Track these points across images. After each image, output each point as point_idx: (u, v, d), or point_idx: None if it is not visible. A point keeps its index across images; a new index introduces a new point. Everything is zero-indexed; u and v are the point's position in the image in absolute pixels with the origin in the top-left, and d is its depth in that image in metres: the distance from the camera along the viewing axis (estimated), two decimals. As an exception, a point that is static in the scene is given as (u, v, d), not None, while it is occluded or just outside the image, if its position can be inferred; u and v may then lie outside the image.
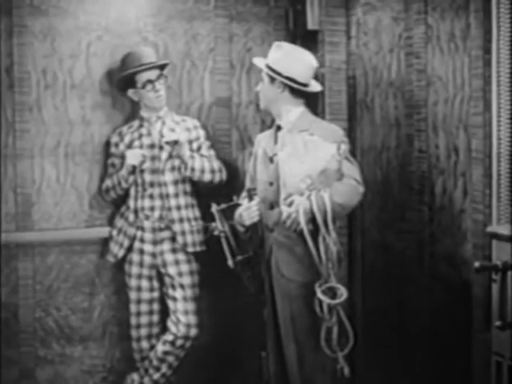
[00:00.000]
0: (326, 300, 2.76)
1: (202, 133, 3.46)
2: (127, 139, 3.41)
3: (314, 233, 2.80)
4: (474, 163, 2.52)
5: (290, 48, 3.02)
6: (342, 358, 2.83)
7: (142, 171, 3.36)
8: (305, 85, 2.97)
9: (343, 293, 2.77)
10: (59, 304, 3.49)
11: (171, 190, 3.37)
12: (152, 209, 3.37)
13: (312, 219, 2.78)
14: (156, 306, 3.42)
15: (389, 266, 3.16)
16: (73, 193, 3.49)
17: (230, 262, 3.02)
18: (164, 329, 3.42)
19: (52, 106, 3.43)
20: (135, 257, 3.40)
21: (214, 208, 3.09)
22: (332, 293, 2.78)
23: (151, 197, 3.37)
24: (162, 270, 3.39)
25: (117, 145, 3.43)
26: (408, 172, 3.00)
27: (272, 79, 2.96)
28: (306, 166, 2.85)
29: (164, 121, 3.40)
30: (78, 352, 3.53)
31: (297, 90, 2.96)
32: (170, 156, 3.35)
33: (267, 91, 3.00)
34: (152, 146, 3.39)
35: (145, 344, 3.41)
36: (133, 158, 3.31)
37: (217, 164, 3.42)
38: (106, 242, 3.49)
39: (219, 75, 3.63)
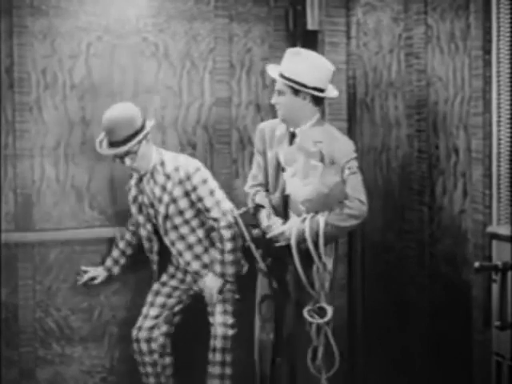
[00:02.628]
0: (310, 320, 2.82)
1: (197, 179, 3.20)
2: (133, 192, 3.38)
3: (308, 259, 2.83)
4: (474, 163, 2.52)
5: (308, 55, 2.93)
6: (324, 380, 2.86)
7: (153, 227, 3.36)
8: (324, 91, 2.94)
9: (328, 313, 2.81)
10: (59, 304, 3.49)
11: (181, 246, 3.31)
12: (171, 262, 3.39)
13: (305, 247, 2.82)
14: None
15: (389, 266, 3.16)
16: (73, 193, 3.49)
17: (263, 266, 2.99)
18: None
19: (52, 106, 3.43)
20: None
21: (236, 213, 3.04)
22: (322, 312, 2.83)
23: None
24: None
25: (129, 189, 3.41)
26: (408, 172, 3.00)
27: (296, 91, 2.89)
28: (307, 190, 2.85)
29: (154, 179, 3.24)
30: (77, 352, 3.53)
31: (318, 98, 2.92)
32: (167, 217, 3.25)
33: (291, 103, 2.91)
34: (152, 206, 3.31)
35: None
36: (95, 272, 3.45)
37: (226, 221, 3.19)
38: (105, 242, 3.50)
39: (219, 75, 3.63)
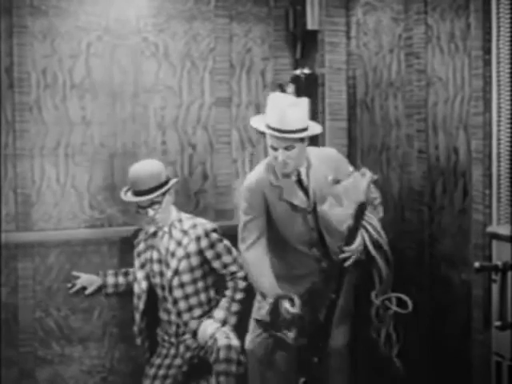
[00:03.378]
0: (394, 308, 2.84)
1: (215, 237, 3.28)
2: (140, 247, 3.41)
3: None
4: (474, 163, 2.52)
5: (303, 101, 2.88)
6: (395, 359, 2.90)
7: (155, 285, 3.36)
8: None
9: (408, 304, 2.81)
10: (59, 304, 3.49)
11: (182, 306, 3.31)
12: (169, 323, 3.36)
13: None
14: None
15: (389, 267, 3.16)
16: (73, 193, 3.49)
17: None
18: None
19: (52, 106, 3.43)
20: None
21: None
22: (400, 302, 2.85)
23: (167, 311, 3.35)
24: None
25: (138, 244, 3.44)
26: (408, 172, 3.00)
27: (302, 139, 2.86)
28: (347, 209, 2.81)
29: (171, 233, 3.30)
30: (77, 352, 3.53)
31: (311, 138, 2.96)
32: (176, 273, 3.27)
33: (302, 153, 2.88)
34: (159, 262, 3.33)
35: None
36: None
37: (243, 273, 3.23)
38: (105, 242, 3.51)
39: (219, 75, 3.63)
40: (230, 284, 3.31)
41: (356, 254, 2.81)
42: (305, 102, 2.88)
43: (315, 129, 2.94)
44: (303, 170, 2.94)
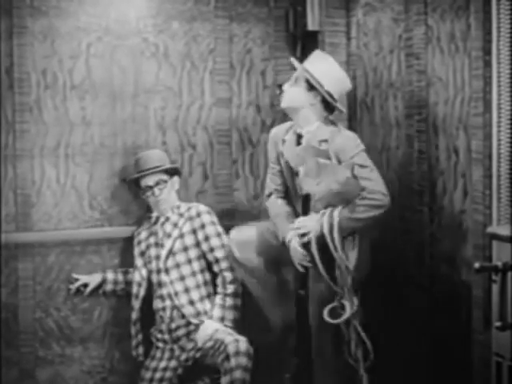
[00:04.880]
0: (330, 321, 2.84)
1: (207, 218, 3.37)
2: (142, 235, 3.46)
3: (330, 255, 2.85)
4: (474, 164, 2.52)
5: (335, 64, 2.97)
6: (363, 371, 2.91)
7: (150, 272, 3.39)
8: (336, 101, 2.96)
9: (347, 310, 2.84)
10: (59, 305, 3.49)
11: (179, 287, 3.33)
12: (164, 310, 3.36)
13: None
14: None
15: (389, 266, 3.16)
16: (73, 193, 3.49)
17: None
18: None
19: (52, 106, 3.43)
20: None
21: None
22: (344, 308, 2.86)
23: (161, 298, 3.36)
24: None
25: (139, 233, 3.48)
26: (408, 172, 3.00)
27: (311, 87, 2.91)
28: (320, 189, 2.84)
29: (170, 218, 3.40)
30: (78, 352, 3.53)
31: (328, 105, 2.94)
32: (171, 252, 3.33)
33: (301, 96, 2.93)
34: (156, 245, 3.39)
35: None
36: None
37: (228, 263, 3.28)
38: (105, 242, 3.51)
39: (219, 76, 3.63)
40: (219, 280, 3.33)
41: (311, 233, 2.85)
42: (345, 80, 2.99)
43: (340, 104, 3.01)
44: (306, 134, 2.95)
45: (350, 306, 2.83)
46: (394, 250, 3.10)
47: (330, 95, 2.91)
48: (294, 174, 2.99)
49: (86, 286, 3.48)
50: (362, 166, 2.81)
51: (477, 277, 2.46)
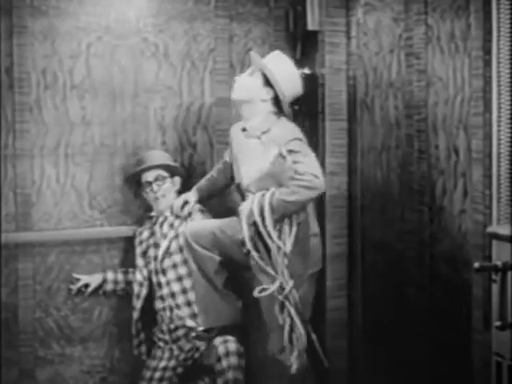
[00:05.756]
0: (257, 295, 2.88)
1: (198, 216, 3.41)
2: (144, 235, 3.47)
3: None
4: (474, 164, 2.52)
5: (293, 67, 3.05)
6: (295, 358, 2.92)
7: (150, 272, 3.40)
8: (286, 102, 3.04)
9: (287, 286, 2.85)
10: (59, 304, 3.50)
11: (176, 287, 3.34)
12: (164, 309, 3.38)
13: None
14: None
15: (389, 267, 3.16)
16: (73, 193, 3.49)
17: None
18: None
19: (52, 106, 3.43)
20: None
21: None
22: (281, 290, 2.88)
23: (161, 298, 3.38)
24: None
25: (141, 233, 3.49)
26: (408, 172, 3.00)
27: (267, 83, 2.99)
28: (255, 171, 2.90)
29: (167, 218, 3.43)
30: (77, 352, 3.53)
31: (276, 104, 3.01)
32: (167, 252, 3.34)
33: (255, 89, 3.01)
34: (155, 245, 3.41)
35: None
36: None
37: None
38: (105, 242, 3.52)
39: (219, 76, 3.63)
40: None
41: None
42: (299, 85, 3.07)
43: (286, 106, 3.07)
44: (250, 126, 3.02)
45: (288, 285, 2.85)
46: (394, 249, 3.10)
47: (283, 95, 2.97)
48: (238, 167, 3.07)
49: (86, 286, 3.48)
50: (294, 152, 2.86)
51: (477, 277, 2.46)
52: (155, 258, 3.38)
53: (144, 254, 3.43)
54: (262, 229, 2.83)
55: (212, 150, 3.66)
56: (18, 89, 3.37)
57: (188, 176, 3.60)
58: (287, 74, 3.00)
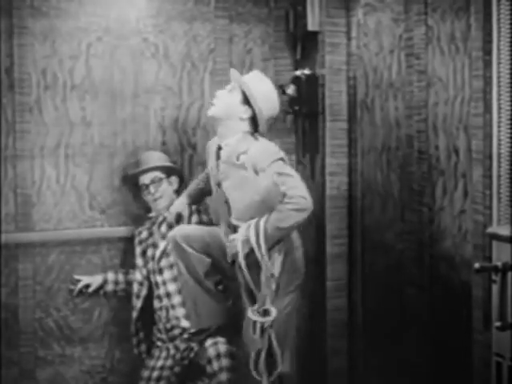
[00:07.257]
0: (253, 318, 2.85)
1: (195, 218, 3.42)
2: (143, 235, 3.48)
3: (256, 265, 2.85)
4: (474, 164, 2.52)
5: (272, 87, 3.00)
6: (266, 382, 2.88)
7: (149, 272, 3.40)
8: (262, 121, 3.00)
9: (272, 314, 2.84)
10: (59, 305, 3.50)
11: (172, 287, 3.35)
12: (161, 309, 3.38)
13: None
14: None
15: (389, 267, 3.17)
16: (73, 193, 3.49)
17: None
18: None
19: (52, 106, 3.43)
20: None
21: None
22: (266, 314, 2.85)
23: (159, 298, 3.38)
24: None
25: (140, 233, 3.50)
26: (408, 173, 3.01)
27: (246, 101, 2.94)
28: (244, 201, 2.89)
29: (166, 219, 3.42)
30: (77, 353, 3.53)
31: (253, 123, 2.96)
32: (164, 253, 3.35)
33: (233, 108, 2.95)
34: (153, 246, 3.42)
35: None
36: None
37: None
38: (105, 242, 3.52)
39: (219, 76, 3.63)
40: None
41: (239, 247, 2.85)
42: (276, 107, 3.02)
43: (263, 126, 3.01)
44: (225, 147, 2.97)
45: (274, 311, 2.85)
46: (394, 250, 3.10)
47: (261, 113, 2.93)
48: (216, 184, 3.04)
49: (87, 287, 3.48)
50: (279, 174, 2.81)
51: (477, 277, 2.46)
52: (153, 258, 3.39)
53: (143, 253, 3.43)
54: (258, 255, 2.82)
55: (212, 150, 3.66)
56: (19, 89, 3.37)
57: (188, 176, 3.61)
58: (266, 92, 2.96)
